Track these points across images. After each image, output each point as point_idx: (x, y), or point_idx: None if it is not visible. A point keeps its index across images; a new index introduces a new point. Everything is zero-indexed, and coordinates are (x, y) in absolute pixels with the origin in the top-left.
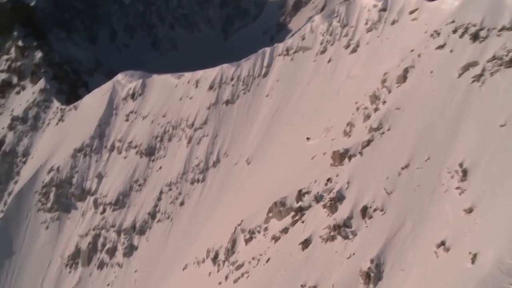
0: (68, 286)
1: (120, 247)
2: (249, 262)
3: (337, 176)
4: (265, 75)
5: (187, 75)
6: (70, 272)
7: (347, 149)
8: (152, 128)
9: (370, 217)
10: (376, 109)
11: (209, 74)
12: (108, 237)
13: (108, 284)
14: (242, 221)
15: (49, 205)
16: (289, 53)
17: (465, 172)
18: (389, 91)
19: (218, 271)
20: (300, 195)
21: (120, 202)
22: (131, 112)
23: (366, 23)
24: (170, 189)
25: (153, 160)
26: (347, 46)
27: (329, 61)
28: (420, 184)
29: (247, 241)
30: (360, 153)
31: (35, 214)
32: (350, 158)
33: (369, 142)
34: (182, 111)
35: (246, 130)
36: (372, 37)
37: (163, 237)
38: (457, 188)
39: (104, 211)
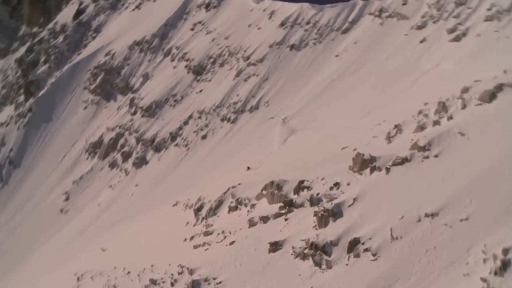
0: (81, 170)
1: (133, 155)
2: (218, 234)
3: (347, 184)
4: (345, 31)
5: (267, 2)
6: (87, 158)
7: (374, 157)
8: (210, 47)
9: (357, 255)
10: (435, 123)
11: (287, 8)
12: (128, 141)
13: (110, 186)
14: (239, 184)
15: (93, 87)
16: (382, 16)
17: (505, 264)
18: (464, 106)
19: (193, 225)
20: (300, 187)
21: (152, 110)
22: (199, 22)
23: (490, 8)
24: (199, 117)
25: (197, 80)
26: (452, 31)
27: (422, 41)
28: (437, 246)
29: (231, 209)
30: (387, 169)
31: (80, 91)
32: (372, 170)
33: (404, 160)
34: (245, 40)
35: (298, 86)
36: (488, 29)
37: (173, 163)
38: (483, 280)
39: (135, 113)
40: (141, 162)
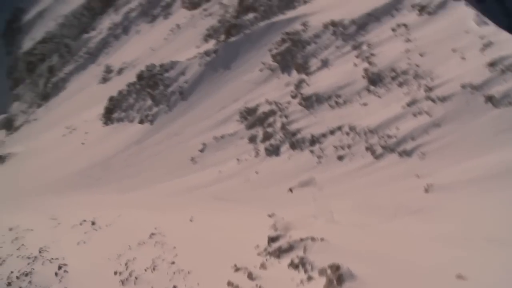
0: (226, 129)
1: (271, 140)
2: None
3: None
4: None
5: (492, 28)
6: (237, 120)
7: None
8: (400, 58)
9: None
10: None
11: (510, 46)
12: (275, 123)
13: (238, 159)
14: (321, 239)
15: (276, 52)
16: None
17: None
18: None
19: (258, 253)
20: None
21: (309, 102)
22: (404, 25)
23: None
24: (347, 133)
25: (368, 90)
26: None
27: None
28: None
29: (292, 264)
30: None
31: (265, 51)
32: None
33: None
34: (440, 66)
35: (468, 153)
36: None
37: (299, 170)
38: None
39: (295, 97)
40: (274, 151)
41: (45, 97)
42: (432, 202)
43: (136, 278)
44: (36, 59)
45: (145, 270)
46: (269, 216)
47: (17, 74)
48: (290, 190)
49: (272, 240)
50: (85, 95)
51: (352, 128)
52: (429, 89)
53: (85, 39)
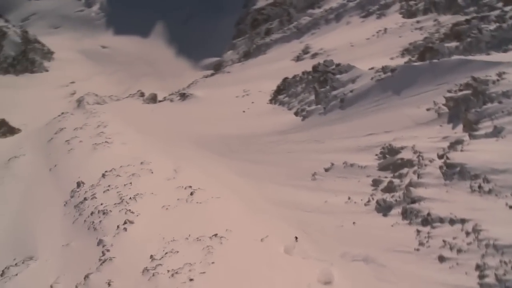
0: (358, 159)
1: (389, 195)
2: None
3: None
4: None
5: None
6: (375, 155)
7: None
8: None
9: None
10: None
11: None
12: (406, 177)
13: (349, 198)
14: None
15: (451, 95)
16: None
17: None
18: None
19: None
20: None
21: (465, 176)
22: None
23: None
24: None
25: None
26: None
27: None
28: None
29: None
30: None
31: (442, 90)
32: None
33: None
34: None
35: None
36: None
37: (395, 248)
38: None
39: (441, 156)
40: (383, 209)
41: (247, 55)
42: None
43: (153, 275)
44: (261, 18)
45: (168, 271)
46: (324, 284)
47: (242, 27)
48: (296, 237)
49: None
50: (275, 66)
51: (476, 231)
52: None
53: (306, 14)
